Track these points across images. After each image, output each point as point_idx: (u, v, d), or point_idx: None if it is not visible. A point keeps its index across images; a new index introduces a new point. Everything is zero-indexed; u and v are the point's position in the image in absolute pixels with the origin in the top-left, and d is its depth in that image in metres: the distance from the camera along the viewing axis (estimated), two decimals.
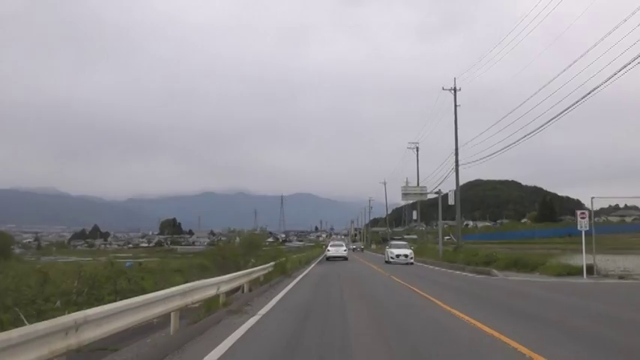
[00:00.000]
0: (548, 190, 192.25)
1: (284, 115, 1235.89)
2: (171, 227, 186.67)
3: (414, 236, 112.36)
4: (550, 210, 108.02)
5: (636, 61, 16.76)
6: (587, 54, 20.24)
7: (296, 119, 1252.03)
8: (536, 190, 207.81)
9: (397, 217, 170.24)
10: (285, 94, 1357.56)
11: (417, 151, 54.49)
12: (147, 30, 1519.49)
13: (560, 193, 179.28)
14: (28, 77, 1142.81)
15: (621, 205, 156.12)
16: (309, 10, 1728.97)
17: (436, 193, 41.28)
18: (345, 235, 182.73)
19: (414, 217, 63.86)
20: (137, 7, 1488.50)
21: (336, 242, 51.84)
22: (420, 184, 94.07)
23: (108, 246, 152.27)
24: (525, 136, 26.54)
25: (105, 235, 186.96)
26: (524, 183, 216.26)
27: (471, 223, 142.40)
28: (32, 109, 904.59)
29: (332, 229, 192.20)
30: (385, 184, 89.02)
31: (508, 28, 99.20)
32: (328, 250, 44.72)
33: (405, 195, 43.94)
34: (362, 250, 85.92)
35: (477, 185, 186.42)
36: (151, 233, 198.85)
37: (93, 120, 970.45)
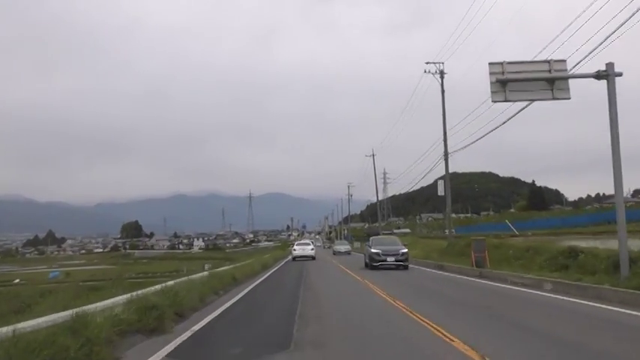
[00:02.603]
0: (525, 180, 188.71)
1: (255, 116, 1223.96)
2: (133, 230, 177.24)
3: (407, 230, 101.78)
4: (541, 199, 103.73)
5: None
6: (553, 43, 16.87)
7: (267, 119, 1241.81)
8: (514, 181, 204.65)
9: (374, 213, 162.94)
10: (255, 94, 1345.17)
11: (442, 76, 32.55)
12: (113, 32, 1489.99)
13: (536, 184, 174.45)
14: None
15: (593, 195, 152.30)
16: (279, 9, 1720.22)
17: (602, 74, 13.14)
18: (319, 233, 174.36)
19: (440, 192, 35.58)
20: (103, 9, 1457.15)
21: (303, 241, 50.15)
22: (389, 180, 67.98)
23: (62, 252, 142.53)
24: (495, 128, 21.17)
25: (60, 241, 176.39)
26: (501, 174, 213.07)
27: (454, 215, 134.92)
28: None
29: (304, 227, 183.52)
30: (374, 156, 66.54)
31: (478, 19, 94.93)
32: (294, 250, 41.62)
33: (503, 86, 13.59)
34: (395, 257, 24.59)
35: (452, 178, 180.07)
36: (118, 237, 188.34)
37: (59, 125, 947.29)
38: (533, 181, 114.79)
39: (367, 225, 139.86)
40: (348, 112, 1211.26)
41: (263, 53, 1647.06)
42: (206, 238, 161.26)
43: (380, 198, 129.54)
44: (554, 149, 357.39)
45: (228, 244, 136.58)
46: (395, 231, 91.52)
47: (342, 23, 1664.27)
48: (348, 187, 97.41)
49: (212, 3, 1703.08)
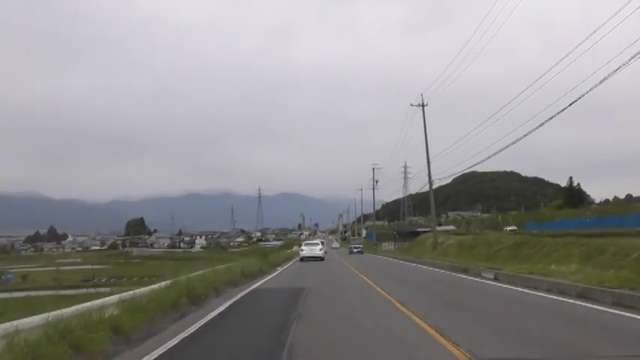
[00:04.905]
0: (548, 180, 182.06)
1: (270, 115, 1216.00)
2: (138, 227, 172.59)
3: (451, 227, 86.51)
4: (578, 198, 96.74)
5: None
6: (576, 51, 18.67)
7: (282, 118, 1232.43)
8: (537, 181, 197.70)
9: (390, 213, 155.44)
10: (271, 94, 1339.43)
11: None
12: (130, 30, 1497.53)
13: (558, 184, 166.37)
14: (6, 79, 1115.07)
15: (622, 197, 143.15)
16: (295, 8, 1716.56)
17: None
18: (333, 232, 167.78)
19: None
20: (119, 7, 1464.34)
21: (311, 241, 50.11)
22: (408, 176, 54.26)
23: (60, 249, 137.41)
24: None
25: (61, 238, 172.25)
26: (523, 174, 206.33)
27: (478, 214, 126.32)
28: (11, 112, 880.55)
29: (316, 225, 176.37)
30: (423, 107, 42.45)
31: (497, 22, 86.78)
32: (302, 250, 41.21)
33: None
34: None
35: (472, 177, 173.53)
36: (122, 234, 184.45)
37: (74, 123, 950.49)
38: (571, 179, 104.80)
39: (387, 223, 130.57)
40: (363, 112, 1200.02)
41: (279, 52, 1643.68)
42: (209, 237, 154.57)
43: (400, 196, 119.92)
44: (574, 150, 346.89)
45: (232, 243, 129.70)
46: (437, 228, 79.25)
47: (359, 22, 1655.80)
48: (373, 169, 77.82)
49: (228, 2, 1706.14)
